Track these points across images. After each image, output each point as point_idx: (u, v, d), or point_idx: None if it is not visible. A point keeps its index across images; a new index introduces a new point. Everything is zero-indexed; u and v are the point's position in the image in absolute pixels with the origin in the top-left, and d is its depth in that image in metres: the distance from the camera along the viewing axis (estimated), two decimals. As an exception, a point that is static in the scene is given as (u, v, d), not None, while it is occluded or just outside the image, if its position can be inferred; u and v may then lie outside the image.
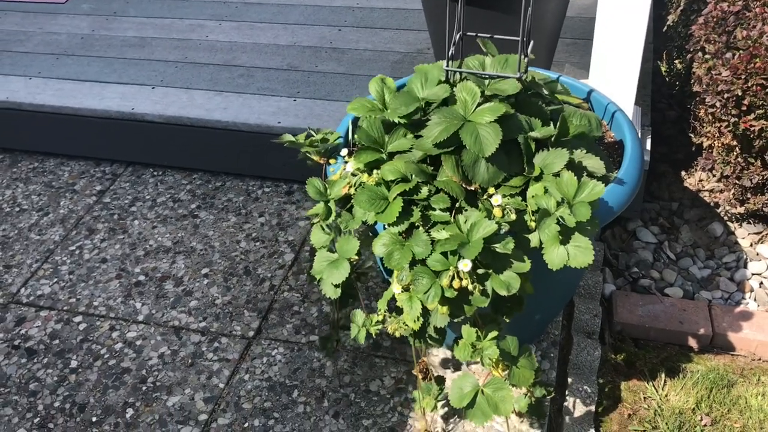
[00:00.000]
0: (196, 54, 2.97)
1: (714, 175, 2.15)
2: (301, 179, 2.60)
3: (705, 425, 1.78)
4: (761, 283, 2.18)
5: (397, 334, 1.51)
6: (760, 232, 2.27)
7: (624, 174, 1.56)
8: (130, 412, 1.87)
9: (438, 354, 1.94)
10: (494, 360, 1.45)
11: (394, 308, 1.54)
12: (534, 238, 1.43)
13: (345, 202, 1.54)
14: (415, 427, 1.77)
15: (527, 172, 1.45)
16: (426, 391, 1.66)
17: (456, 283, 1.33)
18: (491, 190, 1.41)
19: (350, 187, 1.50)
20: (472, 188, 1.44)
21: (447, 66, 1.55)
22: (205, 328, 2.09)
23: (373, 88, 1.57)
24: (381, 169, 1.45)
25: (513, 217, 1.39)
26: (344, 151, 1.53)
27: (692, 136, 2.22)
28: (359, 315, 1.66)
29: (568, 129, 1.49)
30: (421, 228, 1.40)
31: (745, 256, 2.23)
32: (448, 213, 1.42)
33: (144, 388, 1.93)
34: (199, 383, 1.94)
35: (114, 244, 2.42)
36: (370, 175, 1.46)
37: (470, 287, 1.33)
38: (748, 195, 2.10)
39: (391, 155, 1.52)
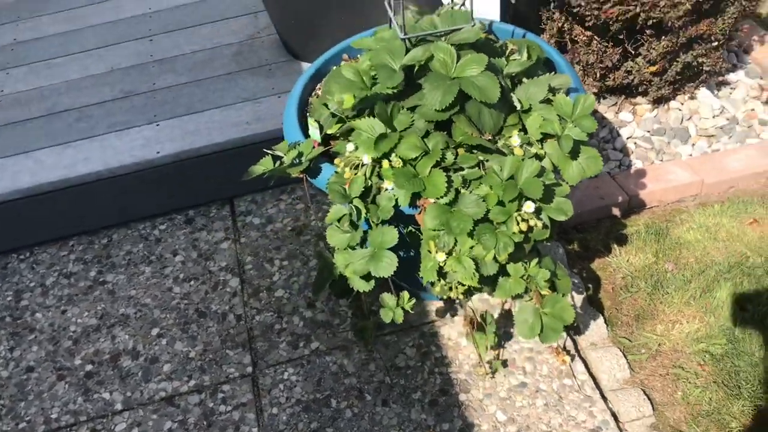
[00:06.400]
0: (4, 114, 2.58)
1: (579, 65, 2.41)
2: (194, 203, 2.43)
3: (672, 270, 2.08)
4: (635, 143, 2.53)
5: (461, 298, 1.55)
6: (615, 103, 2.61)
7: (575, 82, 1.72)
8: (178, 500, 1.71)
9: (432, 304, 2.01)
10: (547, 280, 1.56)
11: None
12: (545, 163, 1.54)
13: (362, 197, 1.52)
14: (464, 371, 1.84)
15: (520, 108, 1.54)
16: (483, 332, 1.72)
17: (523, 226, 1.40)
18: (512, 132, 1.48)
19: (366, 179, 1.48)
20: (485, 138, 1.50)
21: (403, 35, 1.56)
22: (198, 385, 1.94)
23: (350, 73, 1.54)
24: (397, 149, 1.45)
25: (533, 151, 1.49)
26: (350, 146, 1.49)
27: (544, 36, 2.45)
28: (388, 297, 1.66)
29: (532, 58, 1.60)
30: (464, 190, 1.44)
31: (615, 127, 2.56)
32: (477, 168, 1.47)
33: (176, 471, 1.76)
34: (231, 439, 1.81)
35: (29, 347, 2.10)
36: (381, 161, 1.46)
37: (537, 224, 1.41)
38: (608, 74, 2.40)
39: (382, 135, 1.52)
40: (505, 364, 1.84)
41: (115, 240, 2.39)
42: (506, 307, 1.97)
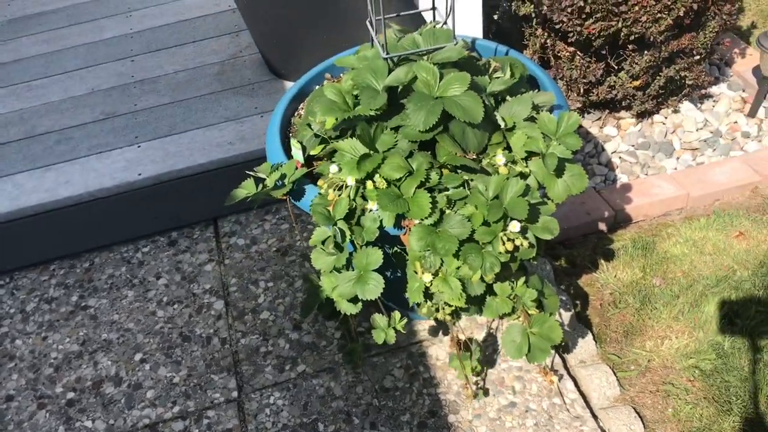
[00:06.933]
0: (-17, 137, 2.54)
1: (563, 80, 2.41)
2: (177, 225, 2.40)
3: (659, 285, 2.07)
4: (620, 157, 2.52)
5: (449, 319, 1.53)
6: (600, 117, 2.61)
7: (558, 99, 1.71)
8: None
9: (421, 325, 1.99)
10: (534, 300, 1.55)
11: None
12: (530, 181, 1.52)
13: (346, 218, 1.50)
14: (452, 392, 1.82)
15: (504, 126, 1.53)
16: (468, 357, 1.70)
17: (509, 246, 1.39)
18: (496, 151, 1.47)
19: (350, 200, 1.46)
20: (470, 157, 1.48)
21: (386, 54, 1.55)
22: (183, 411, 1.90)
23: (330, 93, 1.52)
24: (381, 170, 1.44)
25: (518, 169, 1.47)
26: (334, 168, 1.48)
27: (526, 52, 2.45)
28: (380, 318, 1.64)
29: (516, 75, 1.59)
30: (449, 211, 1.42)
31: (599, 141, 2.56)
32: (462, 188, 1.45)
33: (160, 500, 1.72)
34: (216, 466, 1.78)
35: (9, 375, 2.06)
36: (366, 182, 1.44)
37: (523, 244, 1.39)
38: (592, 89, 2.41)
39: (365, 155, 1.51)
40: (486, 392, 1.81)
41: (97, 263, 2.35)
42: (494, 325, 1.95)
